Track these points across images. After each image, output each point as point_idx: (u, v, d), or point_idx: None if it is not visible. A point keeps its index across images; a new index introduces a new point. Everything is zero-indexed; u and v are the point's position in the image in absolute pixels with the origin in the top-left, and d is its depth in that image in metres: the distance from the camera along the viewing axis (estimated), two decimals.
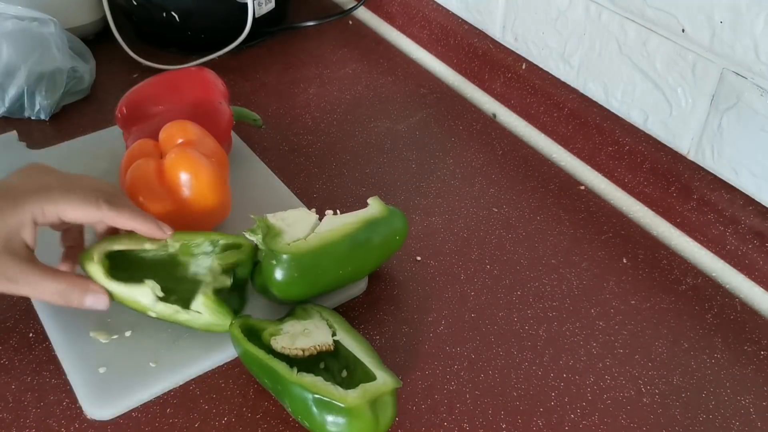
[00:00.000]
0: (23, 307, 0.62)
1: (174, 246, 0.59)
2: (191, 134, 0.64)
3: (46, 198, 0.53)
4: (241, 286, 0.62)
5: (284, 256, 0.57)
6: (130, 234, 0.59)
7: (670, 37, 0.68)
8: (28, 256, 0.53)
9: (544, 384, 0.58)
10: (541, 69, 0.84)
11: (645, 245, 0.71)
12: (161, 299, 0.57)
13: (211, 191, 0.63)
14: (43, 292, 0.53)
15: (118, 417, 0.55)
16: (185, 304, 0.57)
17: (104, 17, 0.93)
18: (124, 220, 0.56)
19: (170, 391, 0.57)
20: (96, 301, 0.55)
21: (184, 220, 0.63)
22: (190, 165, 0.62)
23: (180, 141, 0.64)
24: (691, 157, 0.71)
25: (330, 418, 0.50)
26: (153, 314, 0.57)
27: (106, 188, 0.57)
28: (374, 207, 0.62)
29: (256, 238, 0.58)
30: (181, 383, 0.57)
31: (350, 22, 1.04)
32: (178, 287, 0.59)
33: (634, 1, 0.70)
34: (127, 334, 0.59)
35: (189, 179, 0.62)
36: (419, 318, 0.63)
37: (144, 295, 0.57)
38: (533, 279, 0.67)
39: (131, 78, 0.90)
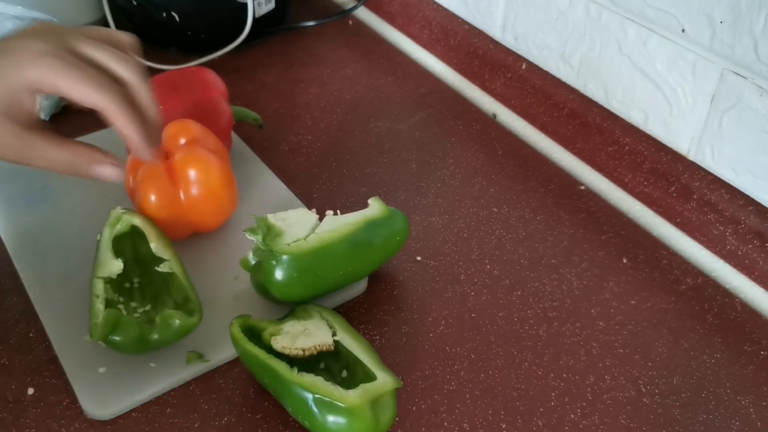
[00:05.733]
0: (23, 307, 0.62)
1: (166, 266, 0.59)
2: (194, 133, 0.65)
3: (47, 68, 0.47)
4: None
5: (284, 257, 0.56)
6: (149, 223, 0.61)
7: (670, 37, 0.68)
8: (30, 123, 0.48)
9: (544, 384, 0.58)
10: (541, 69, 0.84)
11: (645, 245, 0.71)
12: (114, 286, 0.57)
13: (221, 187, 0.64)
14: (49, 160, 0.49)
15: (118, 417, 0.55)
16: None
17: (104, 17, 0.93)
18: (118, 123, 0.49)
19: (170, 391, 0.57)
20: (107, 171, 0.50)
21: (196, 217, 0.64)
22: (200, 162, 0.63)
23: (183, 140, 0.64)
24: (691, 157, 0.71)
25: (330, 418, 0.50)
26: (95, 286, 0.57)
27: (121, 72, 0.50)
28: (375, 207, 0.62)
29: (256, 238, 0.58)
30: (181, 383, 0.57)
31: (350, 22, 1.04)
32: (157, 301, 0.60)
33: (634, 1, 0.70)
34: None
35: (200, 176, 0.62)
36: (419, 318, 0.63)
37: (110, 267, 0.57)
38: (533, 279, 0.67)
39: None
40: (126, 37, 0.52)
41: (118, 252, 0.59)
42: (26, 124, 0.48)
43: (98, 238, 0.61)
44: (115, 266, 0.58)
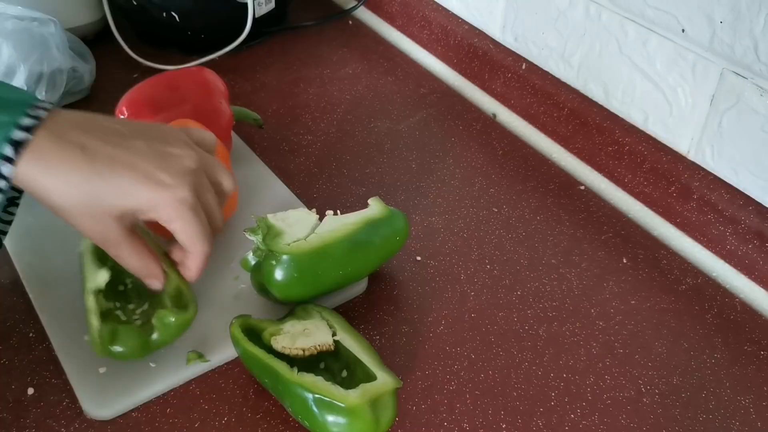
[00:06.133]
0: (23, 307, 0.62)
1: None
2: None
3: (178, 215, 0.51)
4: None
5: (284, 257, 0.56)
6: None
7: (670, 37, 0.68)
8: (130, 228, 0.52)
9: (544, 384, 0.58)
10: (541, 69, 0.84)
11: (645, 245, 0.71)
12: (108, 293, 0.57)
13: None
14: (121, 259, 0.53)
15: (118, 417, 0.55)
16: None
17: (104, 17, 0.93)
18: (192, 263, 0.55)
19: (170, 391, 0.57)
20: (154, 285, 0.55)
21: None
22: None
23: None
24: (691, 157, 0.71)
25: (330, 418, 0.50)
26: (88, 301, 0.56)
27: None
28: (375, 207, 0.62)
29: (256, 238, 0.58)
30: (181, 383, 0.57)
31: (350, 22, 1.04)
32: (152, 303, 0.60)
33: (634, 1, 0.70)
34: None
35: None
36: (419, 318, 0.63)
37: (97, 278, 0.56)
38: (533, 279, 0.67)
39: (131, 78, 0.90)
40: (231, 183, 0.57)
41: (105, 257, 0.58)
42: (127, 228, 0.52)
43: (78, 250, 0.60)
44: (100, 276, 0.57)
